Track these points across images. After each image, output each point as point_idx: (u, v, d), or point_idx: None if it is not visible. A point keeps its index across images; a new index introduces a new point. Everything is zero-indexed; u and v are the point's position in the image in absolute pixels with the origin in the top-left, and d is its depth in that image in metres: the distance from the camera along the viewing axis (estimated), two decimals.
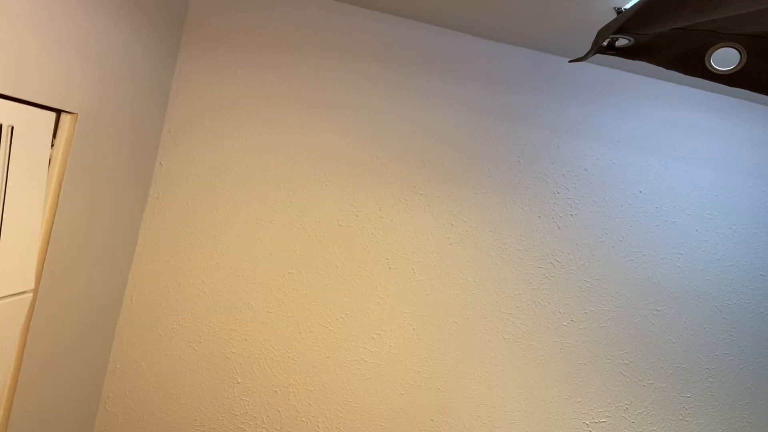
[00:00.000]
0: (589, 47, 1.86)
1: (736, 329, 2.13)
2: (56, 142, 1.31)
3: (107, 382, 1.90)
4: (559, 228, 2.06)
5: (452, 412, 2.02)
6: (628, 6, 1.46)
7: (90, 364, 1.75)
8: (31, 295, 1.29)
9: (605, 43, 1.27)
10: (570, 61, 1.39)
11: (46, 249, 1.32)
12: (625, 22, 1.14)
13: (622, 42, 1.25)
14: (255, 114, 1.94)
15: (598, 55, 1.95)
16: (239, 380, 1.95)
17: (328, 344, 1.98)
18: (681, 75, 2.02)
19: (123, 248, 1.81)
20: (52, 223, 1.32)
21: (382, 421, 2.00)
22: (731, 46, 1.14)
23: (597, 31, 1.22)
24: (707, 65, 1.19)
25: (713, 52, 1.17)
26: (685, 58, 1.22)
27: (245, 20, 1.93)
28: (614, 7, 1.50)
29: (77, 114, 1.33)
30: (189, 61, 1.91)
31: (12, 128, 1.12)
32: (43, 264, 1.32)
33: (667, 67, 1.26)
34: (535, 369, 2.05)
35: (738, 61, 1.16)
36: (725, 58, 1.18)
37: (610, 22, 1.19)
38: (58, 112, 1.29)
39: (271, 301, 1.96)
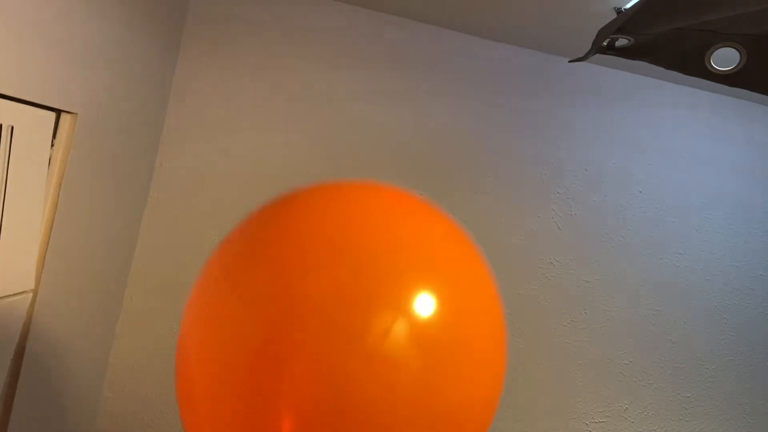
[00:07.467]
0: (589, 47, 1.86)
1: (736, 329, 2.13)
2: (56, 142, 1.31)
3: (107, 382, 1.90)
4: (559, 228, 2.06)
5: None
6: (628, 6, 1.46)
7: (90, 364, 1.75)
8: (31, 295, 1.29)
9: (605, 43, 1.27)
10: (570, 61, 1.39)
11: (46, 249, 1.32)
12: (625, 22, 1.14)
13: (622, 42, 1.25)
14: (255, 114, 1.94)
15: (598, 55, 1.95)
16: None
17: None
18: (681, 75, 2.01)
19: (123, 248, 1.81)
20: (52, 223, 1.32)
21: None
22: (731, 46, 1.14)
23: (597, 31, 1.22)
24: (707, 65, 1.19)
25: (713, 52, 1.17)
26: (685, 58, 1.22)
27: (245, 20, 1.93)
28: (614, 7, 1.50)
29: (77, 114, 1.33)
30: (189, 61, 1.91)
31: (12, 128, 1.12)
32: (43, 264, 1.32)
33: (667, 67, 1.26)
34: (535, 369, 2.05)
35: (738, 61, 1.16)
36: (725, 58, 1.18)
37: (610, 22, 1.19)
38: (58, 112, 1.29)
39: None
